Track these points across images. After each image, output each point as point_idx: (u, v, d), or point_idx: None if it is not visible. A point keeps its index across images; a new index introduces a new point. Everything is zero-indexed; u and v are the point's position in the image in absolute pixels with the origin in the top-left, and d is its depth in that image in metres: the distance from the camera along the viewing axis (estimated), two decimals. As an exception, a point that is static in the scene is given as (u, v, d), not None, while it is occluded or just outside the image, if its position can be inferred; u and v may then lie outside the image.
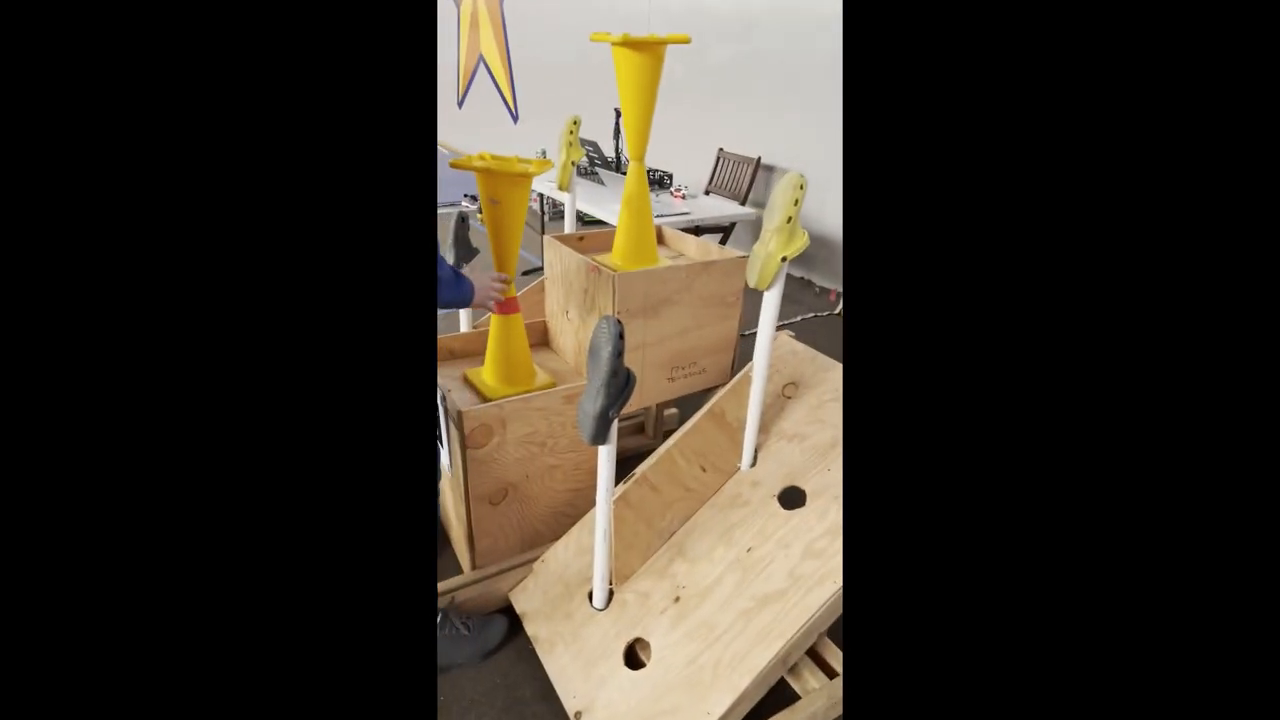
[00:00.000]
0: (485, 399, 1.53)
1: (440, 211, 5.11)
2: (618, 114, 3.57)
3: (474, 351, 1.79)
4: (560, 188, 1.93)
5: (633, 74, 1.48)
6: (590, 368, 1.18)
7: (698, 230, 2.96)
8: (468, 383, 1.63)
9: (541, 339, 1.90)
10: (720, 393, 1.53)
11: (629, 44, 1.43)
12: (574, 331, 1.74)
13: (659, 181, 3.37)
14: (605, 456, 1.25)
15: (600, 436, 1.19)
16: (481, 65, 7.07)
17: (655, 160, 2.26)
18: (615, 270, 1.56)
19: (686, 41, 1.49)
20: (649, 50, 1.45)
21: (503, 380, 1.57)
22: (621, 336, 1.14)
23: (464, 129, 7.90)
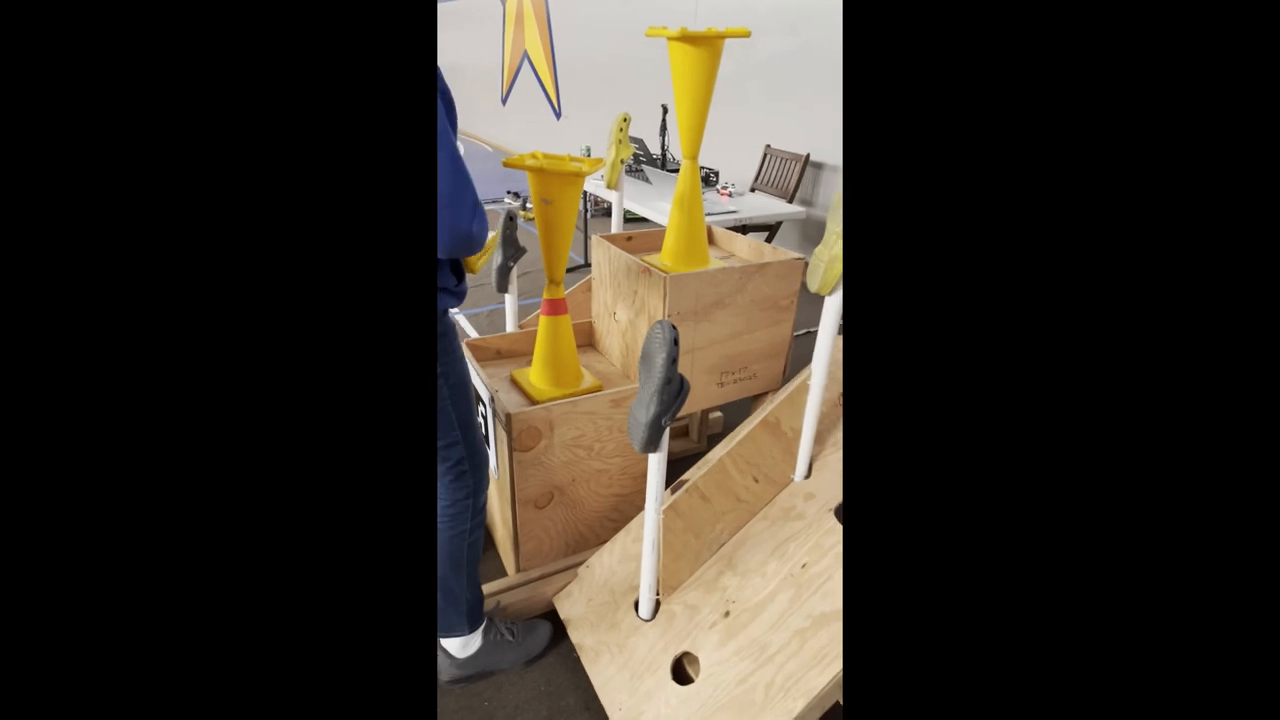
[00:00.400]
0: (532, 401, 1.51)
1: (486, 208, 5.15)
2: (664, 110, 3.53)
3: (520, 352, 1.77)
4: (609, 186, 1.89)
5: (689, 69, 1.43)
6: (643, 374, 1.14)
7: (744, 229, 2.90)
8: (514, 384, 1.61)
9: (587, 340, 1.88)
10: (775, 401, 1.48)
11: (686, 38, 1.38)
12: (621, 333, 1.71)
13: (705, 179, 3.32)
14: (655, 464, 1.21)
15: (652, 444, 1.15)
16: (526, 62, 7.10)
17: (701, 158, 2.20)
18: (666, 271, 1.52)
19: (746, 35, 1.43)
20: (707, 45, 1.40)
21: (550, 382, 1.54)
22: (676, 342, 1.10)
23: (503, 125, 7.96)
